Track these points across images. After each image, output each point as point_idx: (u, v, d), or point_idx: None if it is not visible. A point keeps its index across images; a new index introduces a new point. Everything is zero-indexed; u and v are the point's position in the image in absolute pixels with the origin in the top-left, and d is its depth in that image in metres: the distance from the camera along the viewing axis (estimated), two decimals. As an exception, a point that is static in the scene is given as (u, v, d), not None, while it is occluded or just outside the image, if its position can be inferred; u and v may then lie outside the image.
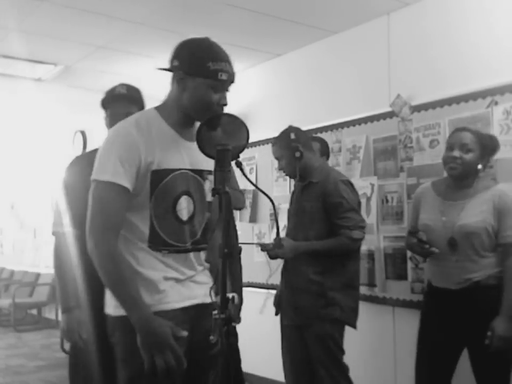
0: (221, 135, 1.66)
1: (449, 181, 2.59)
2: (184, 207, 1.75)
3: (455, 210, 2.49)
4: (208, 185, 1.83)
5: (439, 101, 3.27)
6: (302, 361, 2.83)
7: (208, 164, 1.78)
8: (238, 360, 3.33)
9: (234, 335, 3.24)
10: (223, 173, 1.48)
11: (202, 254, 1.86)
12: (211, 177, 1.81)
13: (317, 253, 2.73)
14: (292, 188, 3.45)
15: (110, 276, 1.62)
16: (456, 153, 2.46)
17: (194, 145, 1.75)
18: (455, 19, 3.27)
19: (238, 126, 1.65)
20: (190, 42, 1.75)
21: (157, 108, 1.79)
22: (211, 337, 1.69)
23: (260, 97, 4.67)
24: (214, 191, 1.48)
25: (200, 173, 1.81)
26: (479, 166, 2.49)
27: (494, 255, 2.46)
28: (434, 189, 2.63)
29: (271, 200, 2.45)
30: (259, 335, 3.92)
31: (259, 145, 4.51)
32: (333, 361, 2.74)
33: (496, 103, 3.00)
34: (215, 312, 1.45)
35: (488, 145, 2.51)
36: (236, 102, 4.75)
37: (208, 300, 1.75)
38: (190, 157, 1.78)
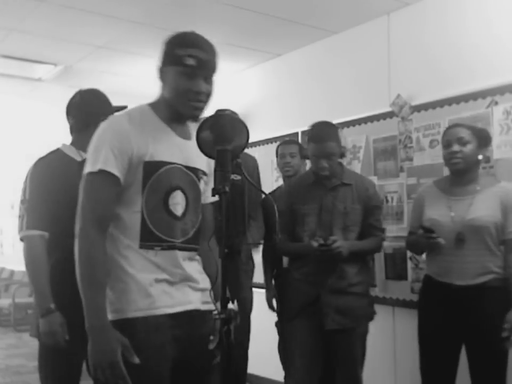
0: None
1: (451, 178, 2.61)
2: (178, 202, 1.68)
3: (463, 206, 2.50)
4: (202, 185, 1.77)
5: (439, 101, 3.27)
6: (320, 365, 2.76)
7: (202, 164, 1.74)
8: (245, 360, 3.32)
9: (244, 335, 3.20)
10: (223, 173, 1.45)
11: (200, 259, 1.80)
12: (206, 178, 1.78)
13: (362, 253, 2.74)
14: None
15: (82, 275, 1.56)
16: (456, 147, 2.49)
17: (188, 142, 1.72)
18: (455, 19, 3.27)
19: (238, 126, 1.60)
20: (167, 37, 1.70)
21: (149, 104, 1.74)
22: (211, 337, 1.69)
23: (260, 97, 4.67)
24: (214, 191, 1.44)
25: (195, 171, 1.74)
26: (480, 157, 2.53)
27: (500, 254, 2.48)
28: (438, 187, 2.64)
29: (271, 200, 2.45)
30: (258, 334, 3.91)
31: (259, 145, 4.51)
32: (363, 360, 2.75)
33: (496, 103, 3.00)
34: (215, 312, 1.44)
35: (482, 136, 2.55)
36: (236, 102, 4.78)
37: (204, 307, 1.70)
38: (184, 152, 1.71)
